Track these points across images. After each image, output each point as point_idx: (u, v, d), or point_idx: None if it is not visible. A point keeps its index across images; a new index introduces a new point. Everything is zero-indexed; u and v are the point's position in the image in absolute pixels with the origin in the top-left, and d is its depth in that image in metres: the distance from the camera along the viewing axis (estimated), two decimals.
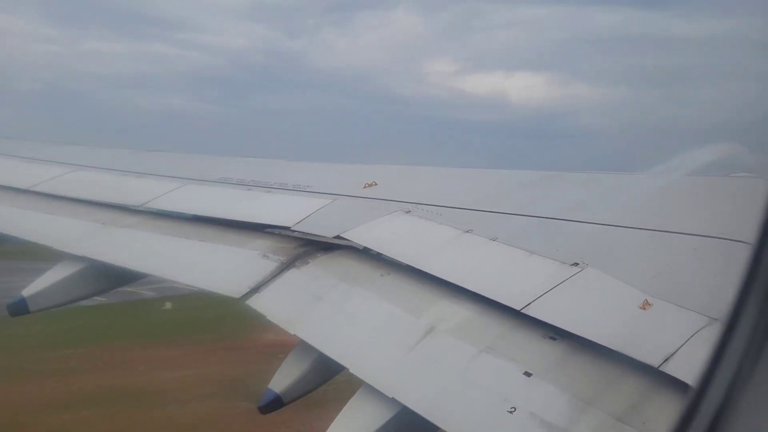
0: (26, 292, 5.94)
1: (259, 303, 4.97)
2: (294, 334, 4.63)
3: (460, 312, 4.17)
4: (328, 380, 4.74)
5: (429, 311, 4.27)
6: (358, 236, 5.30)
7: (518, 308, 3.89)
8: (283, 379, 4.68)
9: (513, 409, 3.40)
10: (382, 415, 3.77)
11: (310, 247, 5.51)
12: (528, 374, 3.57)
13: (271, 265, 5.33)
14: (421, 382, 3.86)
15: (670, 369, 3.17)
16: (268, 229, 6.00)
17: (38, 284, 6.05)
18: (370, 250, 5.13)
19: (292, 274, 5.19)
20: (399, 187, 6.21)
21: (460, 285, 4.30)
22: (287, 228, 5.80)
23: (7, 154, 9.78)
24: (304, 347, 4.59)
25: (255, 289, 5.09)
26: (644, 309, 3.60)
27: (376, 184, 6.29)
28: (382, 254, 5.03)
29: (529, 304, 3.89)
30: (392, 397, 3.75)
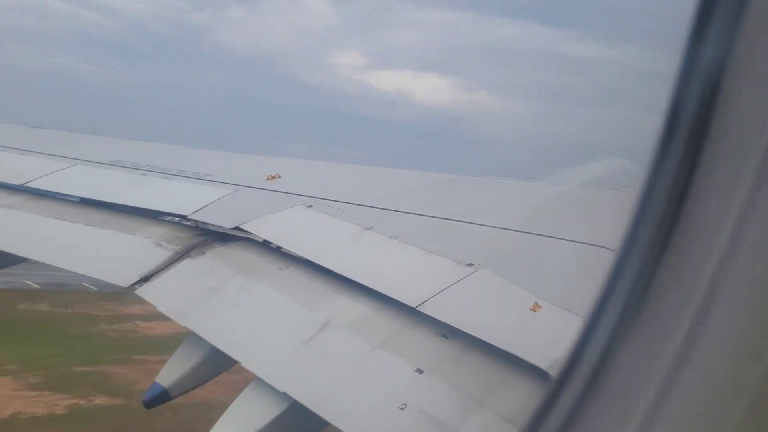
0: None
1: (148, 292, 4.76)
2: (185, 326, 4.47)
3: (356, 308, 4.18)
4: (218, 374, 4.61)
5: (325, 306, 4.25)
6: (258, 228, 5.19)
7: (413, 306, 3.95)
8: (171, 372, 4.49)
9: (404, 406, 3.44)
10: (273, 409, 3.71)
11: (207, 237, 5.34)
12: (420, 371, 3.62)
13: (164, 254, 5.12)
14: (314, 377, 3.84)
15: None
16: (164, 217, 5.75)
17: None
18: (270, 243, 5.04)
19: (186, 264, 5.01)
20: (302, 182, 6.15)
21: (358, 281, 4.31)
22: (184, 216, 5.58)
23: None
24: (195, 340, 4.43)
25: (145, 278, 4.87)
26: (534, 311, 3.76)
27: (279, 177, 6.20)
28: (281, 248, 4.96)
29: (424, 302, 3.95)
30: (283, 392, 3.70)
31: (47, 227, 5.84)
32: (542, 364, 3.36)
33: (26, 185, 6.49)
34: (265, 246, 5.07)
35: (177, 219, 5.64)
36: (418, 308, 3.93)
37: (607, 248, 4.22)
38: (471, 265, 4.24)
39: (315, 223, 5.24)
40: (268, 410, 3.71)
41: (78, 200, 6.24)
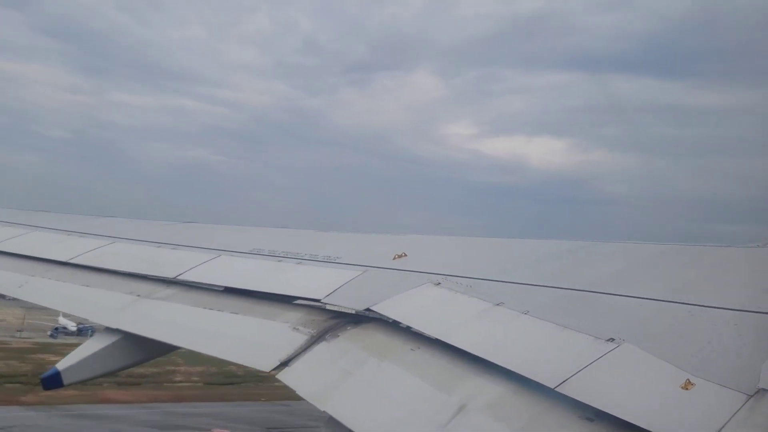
0: (61, 365, 6.00)
1: (289, 377, 4.93)
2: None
3: (493, 389, 4.06)
4: None
5: (460, 388, 4.17)
6: (387, 309, 5.27)
7: (552, 386, 3.77)
8: None
9: None
10: None
11: (340, 319, 5.50)
12: None
13: (301, 338, 5.31)
14: None
15: None
16: (299, 301, 6.02)
17: (73, 357, 6.12)
18: (400, 323, 5.09)
19: (321, 347, 5.16)
20: (429, 259, 6.20)
21: (492, 361, 4.20)
22: (317, 300, 5.81)
23: (49, 227, 10.15)
24: (334, 425, 4.50)
25: (285, 363, 5.06)
26: (686, 389, 3.46)
27: (405, 255, 6.30)
28: (411, 327, 4.98)
29: (564, 381, 3.77)
30: None
31: (197, 317, 6.30)
32: None
33: (178, 278, 7.08)
34: (396, 326, 5.12)
35: (311, 303, 5.88)
36: (557, 389, 3.75)
37: (762, 313, 3.85)
38: (612, 340, 4.01)
39: (443, 301, 5.23)
40: None
41: (222, 289, 6.70)
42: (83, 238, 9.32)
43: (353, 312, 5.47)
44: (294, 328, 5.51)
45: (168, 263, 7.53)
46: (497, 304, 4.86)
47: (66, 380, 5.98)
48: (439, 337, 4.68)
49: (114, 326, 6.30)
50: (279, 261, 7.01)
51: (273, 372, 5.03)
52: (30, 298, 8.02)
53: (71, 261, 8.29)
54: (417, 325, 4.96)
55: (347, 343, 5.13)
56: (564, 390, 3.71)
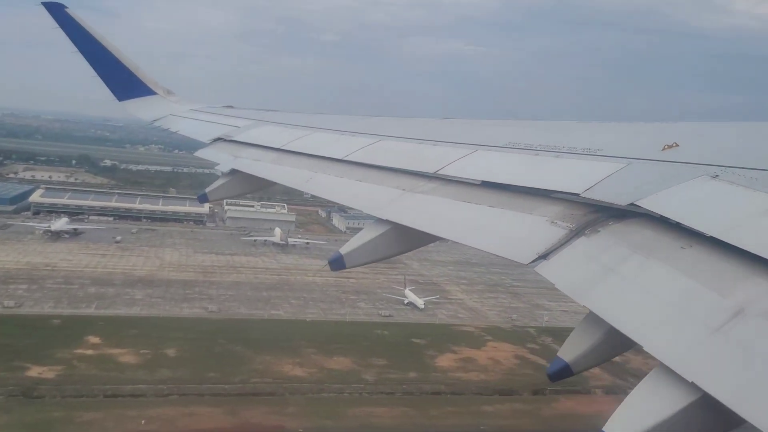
0: (343, 250, 6.84)
1: (546, 270, 4.96)
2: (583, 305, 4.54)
3: None
4: (618, 354, 4.57)
5: (738, 290, 3.80)
6: (655, 204, 4.91)
7: None
8: (572, 348, 4.63)
9: None
10: (679, 399, 3.51)
11: (600, 214, 5.30)
12: None
13: (559, 233, 5.26)
14: (728, 370, 3.48)
15: None
16: (556, 195, 5.92)
17: (352, 243, 6.91)
18: (669, 219, 4.73)
19: (581, 242, 5.06)
20: (704, 149, 5.56)
21: None
22: (576, 194, 5.64)
23: (325, 128, 11.34)
24: (594, 319, 4.47)
25: (543, 256, 5.08)
26: None
27: (677, 146, 5.73)
28: (682, 224, 4.60)
29: None
30: (692, 382, 3.46)
31: (456, 210, 6.61)
32: None
33: (438, 172, 7.44)
34: (664, 222, 4.77)
35: (569, 197, 5.74)
36: None
37: None
38: None
39: (721, 195, 4.70)
40: (673, 400, 3.53)
41: (479, 183, 6.88)
42: (354, 137, 10.23)
43: (616, 207, 5.21)
44: (551, 222, 5.47)
45: (428, 159, 7.92)
46: None
47: (348, 263, 6.80)
48: (715, 235, 4.26)
49: (384, 217, 6.92)
50: (536, 154, 6.91)
51: (530, 265, 5.10)
52: (314, 192, 9.23)
53: (345, 158, 9.22)
54: (689, 222, 4.56)
55: (609, 239, 4.95)
56: None
